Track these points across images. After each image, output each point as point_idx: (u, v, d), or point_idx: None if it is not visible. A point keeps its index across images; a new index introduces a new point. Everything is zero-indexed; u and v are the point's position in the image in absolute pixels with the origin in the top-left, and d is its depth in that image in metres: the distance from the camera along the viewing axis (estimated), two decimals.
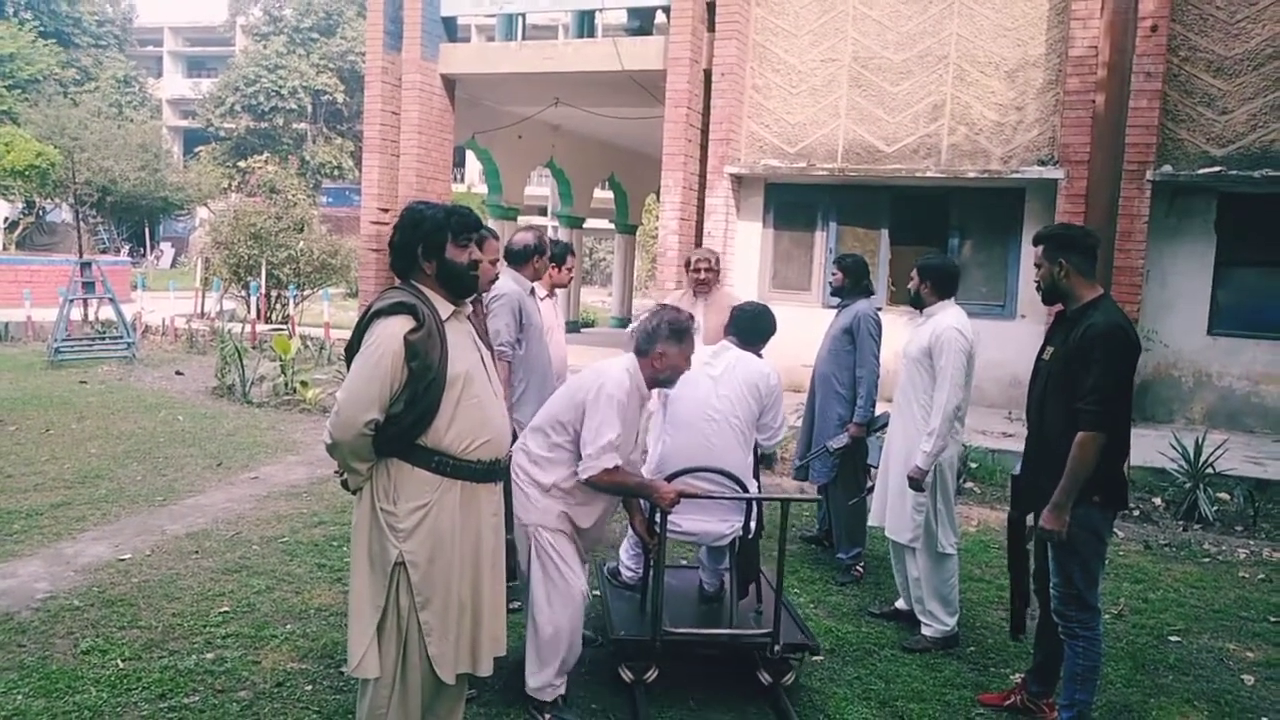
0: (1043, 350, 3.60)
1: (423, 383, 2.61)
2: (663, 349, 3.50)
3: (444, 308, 2.73)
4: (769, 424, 4.15)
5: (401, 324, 2.61)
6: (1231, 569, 5.73)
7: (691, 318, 3.63)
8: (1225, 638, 4.65)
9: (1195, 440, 7.02)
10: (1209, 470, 6.88)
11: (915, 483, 4.28)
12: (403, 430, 2.63)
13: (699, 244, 11.23)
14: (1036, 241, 3.57)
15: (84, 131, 32.69)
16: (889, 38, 10.30)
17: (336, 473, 2.85)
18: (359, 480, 2.71)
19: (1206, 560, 5.90)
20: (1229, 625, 4.82)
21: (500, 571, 2.90)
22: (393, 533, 2.66)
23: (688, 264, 5.88)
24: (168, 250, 37.38)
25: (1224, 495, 6.95)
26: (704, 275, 5.73)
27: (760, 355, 4.28)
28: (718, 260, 5.92)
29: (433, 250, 2.72)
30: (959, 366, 4.21)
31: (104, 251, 29.91)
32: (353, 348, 2.70)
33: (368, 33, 12.98)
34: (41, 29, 41.13)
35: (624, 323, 20.24)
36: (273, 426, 8.73)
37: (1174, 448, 7.07)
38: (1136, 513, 6.80)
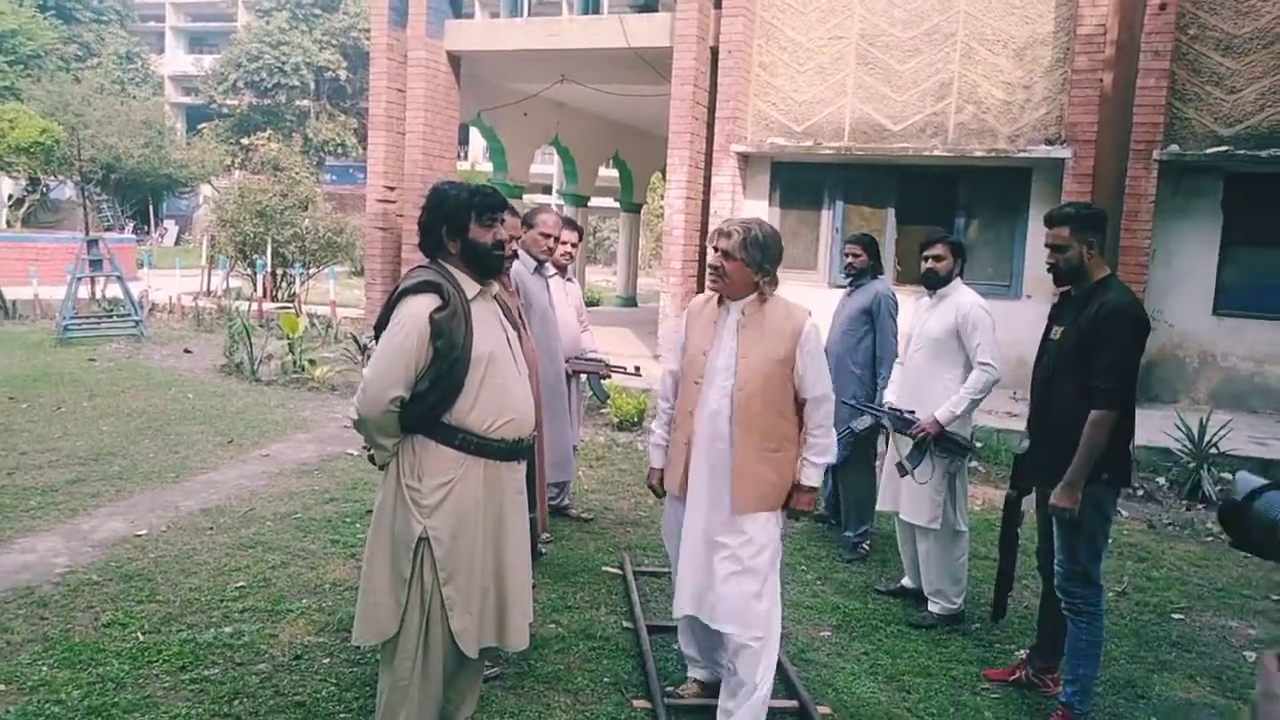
0: (1049, 330, 3.61)
1: (447, 361, 2.65)
2: None
3: (470, 287, 2.78)
4: None
5: (427, 303, 2.65)
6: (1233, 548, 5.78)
7: None
8: (1227, 615, 4.71)
9: (1199, 420, 7.06)
10: (1213, 450, 6.92)
11: (924, 438, 4.31)
12: (427, 408, 2.68)
13: (705, 224, 10.92)
14: (1059, 221, 3.43)
15: (87, 108, 32.61)
16: (896, 15, 10.25)
17: (365, 448, 2.91)
18: (385, 456, 2.76)
19: (1209, 539, 5.95)
20: (1231, 603, 4.88)
21: (525, 548, 2.95)
22: (417, 509, 2.71)
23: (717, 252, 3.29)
24: (171, 228, 37.36)
25: (1227, 475, 6.99)
26: None
27: None
28: None
29: (456, 230, 2.76)
30: (994, 341, 4.30)
31: (109, 229, 29.89)
32: (381, 325, 2.75)
33: (373, 9, 12.94)
34: (41, 4, 40.98)
35: (629, 301, 20.21)
36: (282, 404, 8.78)
37: (1178, 428, 7.11)
38: (1141, 492, 6.85)
